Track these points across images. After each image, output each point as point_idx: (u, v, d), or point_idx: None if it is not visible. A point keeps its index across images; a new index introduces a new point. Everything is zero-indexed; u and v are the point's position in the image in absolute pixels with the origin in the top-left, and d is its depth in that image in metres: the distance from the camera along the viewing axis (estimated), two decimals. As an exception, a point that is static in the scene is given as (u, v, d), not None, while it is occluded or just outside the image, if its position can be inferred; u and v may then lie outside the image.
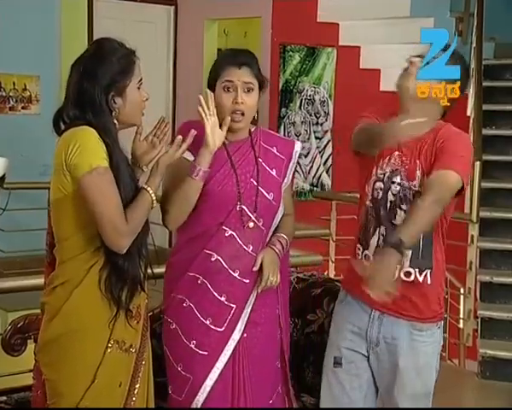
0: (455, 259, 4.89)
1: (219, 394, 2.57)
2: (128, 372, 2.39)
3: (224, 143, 2.57)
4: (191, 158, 2.55)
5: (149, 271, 2.46)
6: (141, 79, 2.40)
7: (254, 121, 2.69)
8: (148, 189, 2.36)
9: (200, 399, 2.56)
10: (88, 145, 2.25)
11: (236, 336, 2.58)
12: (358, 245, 2.70)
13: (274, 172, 2.66)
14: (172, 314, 2.62)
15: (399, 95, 2.62)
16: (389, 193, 2.64)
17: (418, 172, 2.61)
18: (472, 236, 5.25)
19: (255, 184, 2.59)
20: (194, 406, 2.56)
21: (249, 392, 2.60)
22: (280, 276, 2.63)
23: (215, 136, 2.49)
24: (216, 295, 2.56)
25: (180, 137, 2.43)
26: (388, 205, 2.64)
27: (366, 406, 2.75)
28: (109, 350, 2.33)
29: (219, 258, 2.55)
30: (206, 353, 2.56)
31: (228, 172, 2.57)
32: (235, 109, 2.53)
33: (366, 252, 2.67)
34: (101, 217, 2.25)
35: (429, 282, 2.64)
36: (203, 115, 2.48)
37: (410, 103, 2.55)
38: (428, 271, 2.64)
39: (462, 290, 5.37)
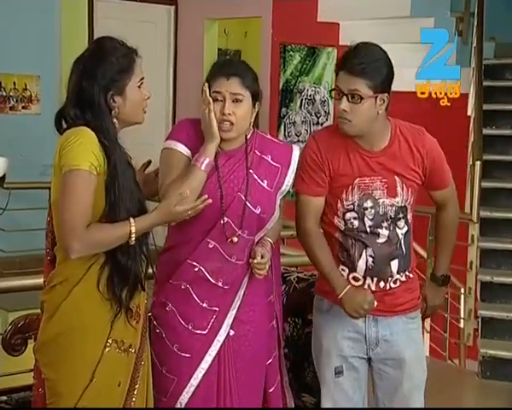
0: (455, 259, 4.86)
1: (204, 393, 2.56)
2: (127, 372, 2.38)
3: (215, 153, 2.52)
4: (185, 150, 2.53)
5: (150, 270, 2.46)
6: (142, 78, 2.39)
7: (255, 123, 2.63)
8: (132, 222, 2.28)
9: (184, 398, 2.56)
10: (80, 146, 2.23)
11: (222, 337, 2.58)
12: (343, 267, 2.67)
13: (265, 184, 2.59)
14: (156, 317, 2.61)
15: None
16: (365, 219, 2.62)
17: (399, 188, 2.61)
18: (472, 235, 5.25)
19: (242, 198, 2.54)
20: (178, 405, 2.56)
21: (235, 390, 2.59)
22: (272, 266, 2.64)
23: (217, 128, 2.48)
24: (198, 301, 2.56)
25: (187, 191, 2.37)
26: (369, 230, 2.62)
27: (365, 405, 2.76)
28: (107, 350, 2.32)
29: (202, 269, 2.55)
30: (189, 355, 2.55)
31: (213, 186, 2.52)
32: (223, 119, 2.50)
33: (355, 274, 2.65)
34: (66, 211, 2.21)
35: (411, 276, 2.72)
36: (207, 104, 2.47)
37: (363, 135, 2.58)
38: (408, 269, 2.70)
39: (462, 290, 5.37)
